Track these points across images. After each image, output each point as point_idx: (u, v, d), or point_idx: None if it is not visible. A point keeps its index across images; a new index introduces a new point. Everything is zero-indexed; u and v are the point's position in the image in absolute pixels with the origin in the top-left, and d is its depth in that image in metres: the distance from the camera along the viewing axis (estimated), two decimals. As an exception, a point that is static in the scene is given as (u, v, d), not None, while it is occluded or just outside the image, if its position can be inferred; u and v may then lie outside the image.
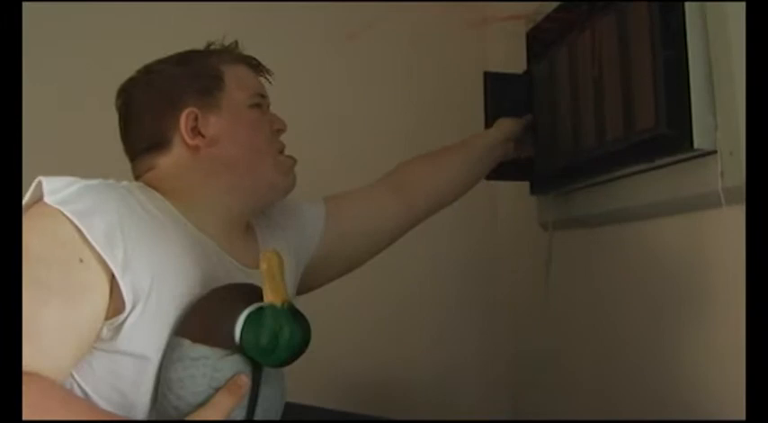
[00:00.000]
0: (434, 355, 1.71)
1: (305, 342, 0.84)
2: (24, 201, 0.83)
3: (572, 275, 1.38)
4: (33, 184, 0.83)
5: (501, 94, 1.38)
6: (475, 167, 1.27)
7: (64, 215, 0.80)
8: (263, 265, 0.84)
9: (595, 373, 1.29)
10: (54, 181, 0.83)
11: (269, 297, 0.83)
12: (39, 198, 0.82)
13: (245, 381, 0.83)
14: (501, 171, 1.31)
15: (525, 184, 1.42)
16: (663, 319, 1.09)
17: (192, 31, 1.59)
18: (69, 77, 1.60)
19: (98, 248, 0.79)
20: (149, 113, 0.96)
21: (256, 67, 1.02)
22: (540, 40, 1.35)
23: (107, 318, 0.81)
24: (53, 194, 0.81)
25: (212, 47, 1.02)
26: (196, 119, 0.94)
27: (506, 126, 1.29)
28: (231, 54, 1.01)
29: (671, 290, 1.08)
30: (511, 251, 1.68)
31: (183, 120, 0.94)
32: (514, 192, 1.52)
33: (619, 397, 1.20)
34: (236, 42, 1.02)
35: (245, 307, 0.84)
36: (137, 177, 0.97)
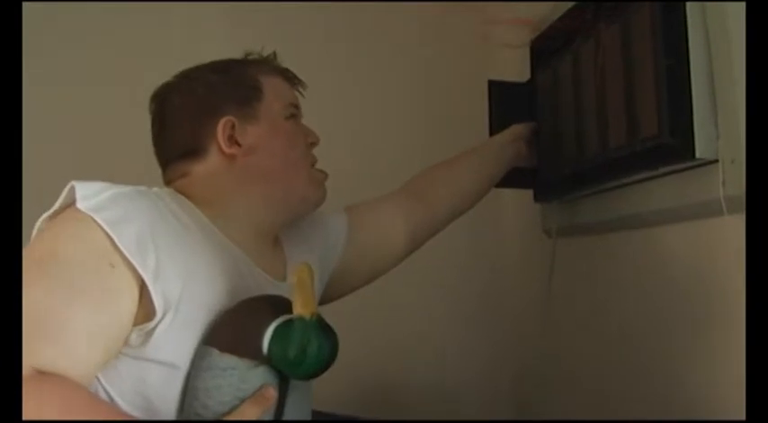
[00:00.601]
0: (438, 362, 1.71)
1: (332, 355, 0.83)
2: (57, 204, 0.83)
3: (575, 282, 1.38)
4: (66, 189, 0.83)
5: (505, 103, 1.39)
6: (490, 169, 1.28)
7: (95, 222, 0.79)
8: (294, 277, 0.84)
9: (599, 380, 1.29)
10: (86, 186, 0.82)
11: (298, 309, 0.82)
12: (71, 202, 0.82)
13: (272, 393, 0.83)
14: (506, 178, 1.32)
15: (529, 192, 1.42)
16: (666, 326, 1.09)
17: (194, 34, 1.62)
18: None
19: (128, 256, 0.79)
20: (186, 120, 0.96)
21: (292, 79, 1.02)
22: (543, 49, 1.36)
23: (136, 323, 0.81)
24: (85, 201, 0.81)
25: (250, 57, 1.01)
26: (233, 127, 0.94)
27: (514, 128, 1.31)
28: (269, 65, 1.01)
29: (674, 297, 1.08)
30: (514, 258, 1.68)
31: (221, 128, 0.94)
32: (518, 199, 1.52)
33: (624, 403, 1.20)
34: (275, 53, 1.02)
35: (273, 319, 0.83)
36: (168, 183, 0.97)
